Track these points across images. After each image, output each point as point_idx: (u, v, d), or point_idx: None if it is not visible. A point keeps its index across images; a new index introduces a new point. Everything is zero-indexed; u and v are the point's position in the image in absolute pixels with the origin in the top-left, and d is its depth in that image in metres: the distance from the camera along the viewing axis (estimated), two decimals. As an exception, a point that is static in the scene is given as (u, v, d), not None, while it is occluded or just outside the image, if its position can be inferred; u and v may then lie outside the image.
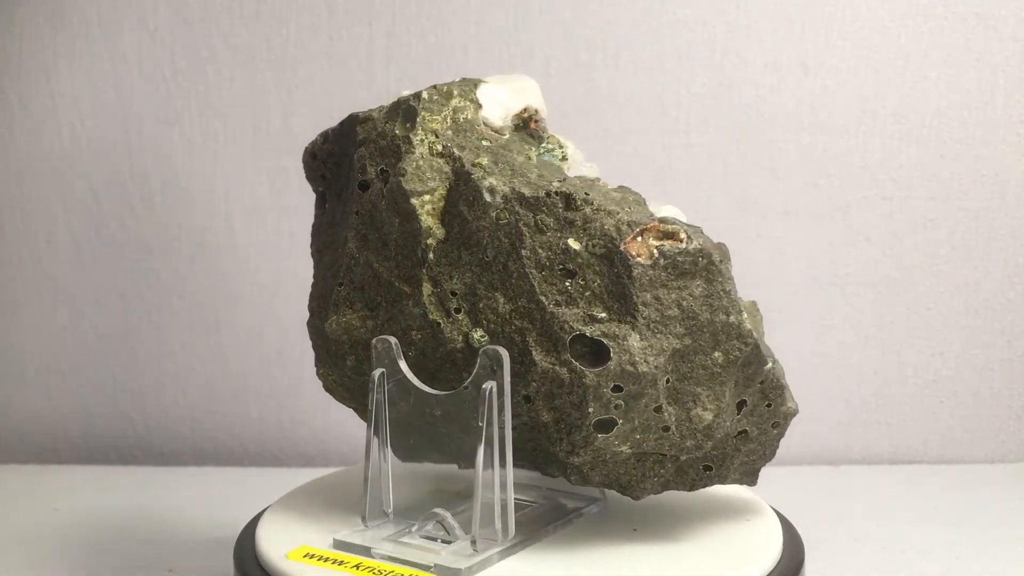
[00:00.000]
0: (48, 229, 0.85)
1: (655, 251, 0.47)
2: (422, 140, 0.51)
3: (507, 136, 0.52)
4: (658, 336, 0.47)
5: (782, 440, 0.52)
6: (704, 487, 0.51)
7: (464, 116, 0.52)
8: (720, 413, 0.48)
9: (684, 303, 0.47)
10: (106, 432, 0.87)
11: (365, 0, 0.81)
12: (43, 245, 0.85)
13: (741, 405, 0.49)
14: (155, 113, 0.83)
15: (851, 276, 0.81)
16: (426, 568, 0.46)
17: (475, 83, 0.53)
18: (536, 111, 0.52)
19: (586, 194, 0.48)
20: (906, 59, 0.79)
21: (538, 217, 0.48)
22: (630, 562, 0.48)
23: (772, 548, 0.50)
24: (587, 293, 0.47)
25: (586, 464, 0.49)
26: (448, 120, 0.52)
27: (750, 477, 0.52)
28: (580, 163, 0.53)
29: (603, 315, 0.47)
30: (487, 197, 0.49)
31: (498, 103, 0.52)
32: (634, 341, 0.47)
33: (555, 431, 0.48)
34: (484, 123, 0.52)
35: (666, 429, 0.48)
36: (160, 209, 0.84)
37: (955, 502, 0.74)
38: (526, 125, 0.52)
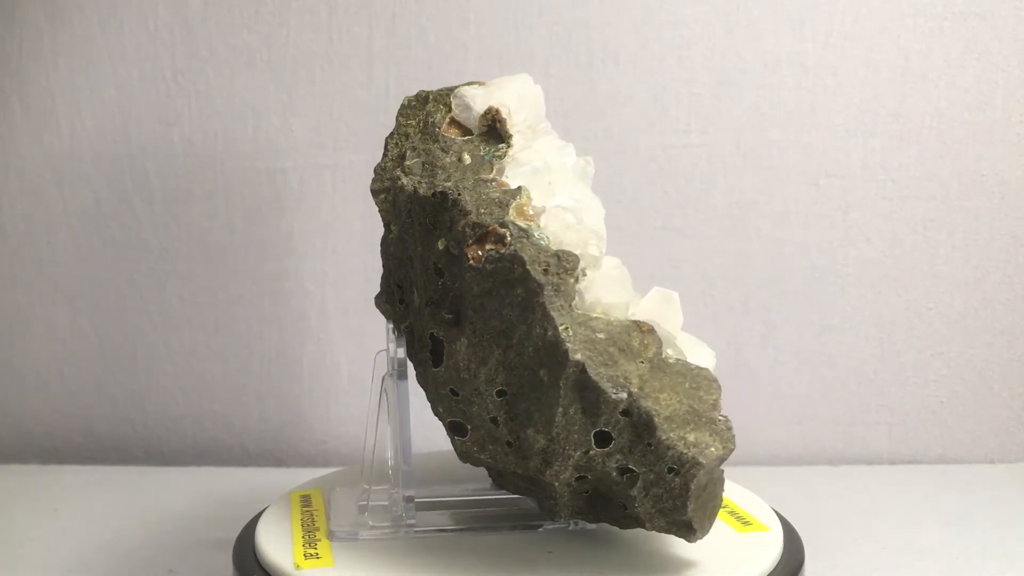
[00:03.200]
0: (48, 229, 0.85)
1: (483, 256, 0.46)
2: (396, 144, 0.53)
3: (467, 137, 0.52)
4: (484, 344, 0.46)
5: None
6: (626, 527, 0.48)
7: (432, 119, 0.53)
8: (557, 439, 0.45)
9: (505, 312, 0.45)
10: (106, 432, 0.87)
11: (365, 0, 0.81)
12: (43, 245, 0.85)
13: (604, 437, 0.45)
14: (155, 113, 0.83)
15: (851, 276, 0.81)
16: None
17: (454, 87, 0.54)
18: (497, 111, 0.52)
19: (458, 194, 0.47)
20: (906, 59, 0.79)
21: (427, 216, 0.49)
22: (630, 562, 0.48)
23: (772, 548, 0.50)
24: (450, 294, 0.47)
25: (485, 466, 0.49)
26: (420, 124, 0.53)
27: (683, 530, 0.45)
28: (550, 156, 0.51)
29: (449, 316, 0.47)
30: (402, 196, 0.50)
31: (466, 106, 0.53)
32: (461, 346, 0.47)
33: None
34: (458, 125, 0.52)
35: (509, 444, 0.47)
36: (160, 209, 0.84)
37: (955, 502, 0.73)
38: (492, 126, 0.52)
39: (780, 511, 0.56)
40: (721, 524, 0.53)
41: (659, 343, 0.45)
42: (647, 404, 0.44)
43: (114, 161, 0.84)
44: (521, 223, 0.46)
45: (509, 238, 0.45)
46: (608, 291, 0.46)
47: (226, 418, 0.86)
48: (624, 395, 0.44)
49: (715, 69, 0.80)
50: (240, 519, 0.56)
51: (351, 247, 0.83)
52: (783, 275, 0.81)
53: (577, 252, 0.46)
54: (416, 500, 0.52)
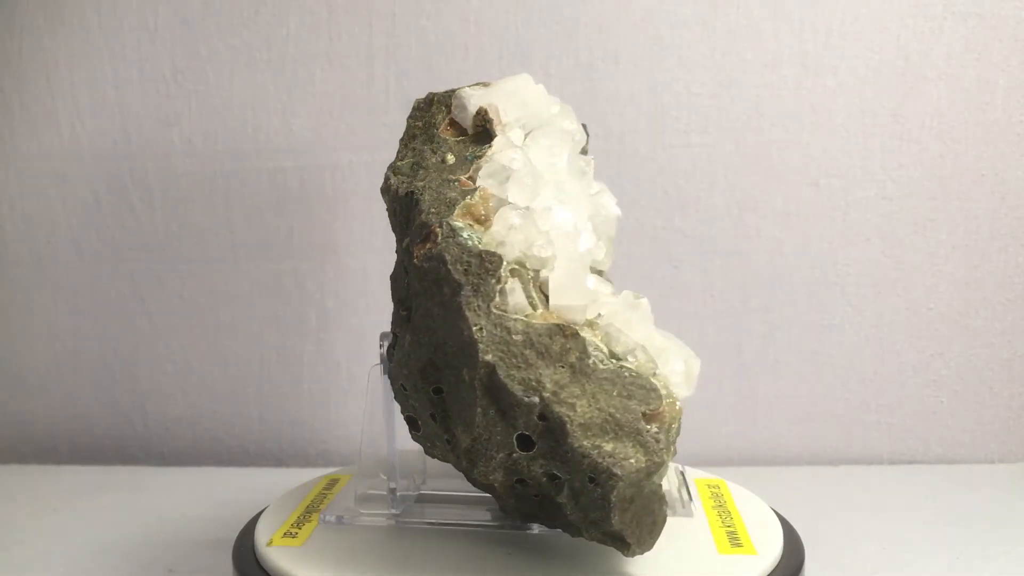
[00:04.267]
0: (48, 229, 0.85)
1: (422, 254, 0.46)
2: (405, 144, 0.53)
3: (460, 138, 0.52)
4: (421, 342, 0.46)
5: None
6: (574, 535, 0.46)
7: (434, 121, 0.53)
8: (480, 439, 0.45)
9: (435, 311, 0.45)
10: (106, 432, 0.87)
11: (365, 0, 0.81)
12: (43, 245, 0.85)
13: (525, 441, 0.44)
14: (155, 113, 0.83)
15: (851, 276, 0.81)
16: None
17: (456, 89, 0.54)
18: (486, 111, 0.52)
19: (420, 194, 0.48)
20: (906, 59, 0.79)
21: (403, 215, 0.50)
22: (630, 562, 0.48)
23: (772, 548, 0.50)
24: (410, 291, 0.48)
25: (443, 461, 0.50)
26: (424, 125, 0.54)
27: (618, 543, 0.44)
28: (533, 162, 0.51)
29: (404, 313, 0.48)
30: (388, 196, 0.51)
31: (462, 107, 0.53)
32: (405, 343, 0.47)
33: None
34: (456, 126, 0.53)
35: (448, 442, 0.47)
36: (160, 209, 0.84)
37: (955, 502, 0.73)
38: (484, 126, 0.52)
39: (780, 511, 0.56)
40: (706, 540, 0.52)
41: (583, 347, 0.43)
42: (560, 410, 0.43)
43: (114, 161, 0.84)
44: (460, 223, 0.46)
45: (439, 238, 0.45)
46: (561, 294, 0.45)
47: (226, 418, 0.86)
48: (536, 399, 0.43)
49: (715, 69, 0.80)
50: (240, 519, 0.56)
51: (351, 247, 0.83)
52: (783, 275, 0.81)
53: (517, 252, 0.46)
54: (420, 492, 0.52)
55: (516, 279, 0.45)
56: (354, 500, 0.53)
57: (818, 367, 0.82)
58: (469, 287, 0.44)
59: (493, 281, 0.44)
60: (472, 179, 0.49)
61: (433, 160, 0.51)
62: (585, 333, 0.45)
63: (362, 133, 0.82)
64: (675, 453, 0.45)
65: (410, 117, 0.54)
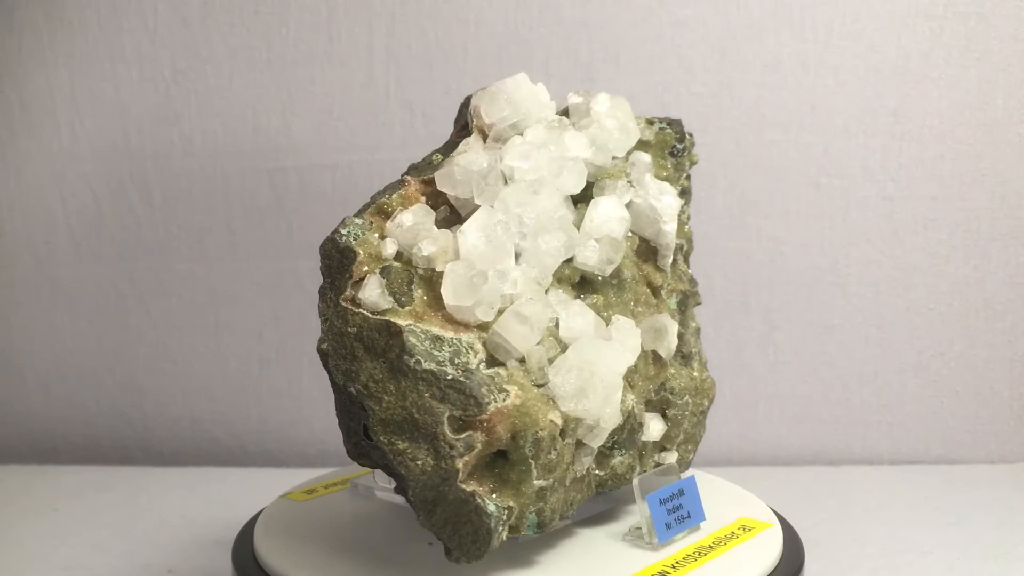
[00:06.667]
0: (48, 229, 0.85)
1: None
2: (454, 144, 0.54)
3: (466, 139, 0.53)
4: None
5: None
6: None
7: (463, 122, 0.55)
8: (342, 421, 0.48)
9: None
10: (106, 432, 0.87)
11: (365, 0, 0.81)
12: (43, 245, 0.85)
13: (365, 430, 0.47)
14: (155, 113, 0.83)
15: (851, 276, 0.81)
16: None
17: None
18: (470, 114, 0.52)
19: (389, 196, 0.49)
20: (906, 59, 0.79)
21: None
22: (629, 562, 0.48)
23: (772, 548, 0.50)
24: None
25: None
26: (458, 127, 0.55)
27: (442, 542, 0.46)
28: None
29: None
30: None
31: (473, 108, 0.53)
32: None
33: None
34: (474, 127, 0.53)
35: None
36: (160, 209, 0.84)
37: (955, 502, 0.73)
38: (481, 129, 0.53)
39: (780, 511, 0.56)
40: (720, 524, 0.52)
41: (402, 345, 0.44)
42: (368, 403, 0.44)
43: (114, 161, 0.84)
44: (360, 219, 0.48)
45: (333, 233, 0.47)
46: (449, 294, 0.46)
47: (226, 418, 0.86)
48: (353, 389, 0.45)
49: (715, 69, 0.80)
50: (240, 519, 0.56)
51: (351, 247, 0.83)
52: (783, 275, 0.81)
53: (390, 249, 0.47)
54: None
55: (379, 276, 0.46)
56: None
57: (818, 367, 0.82)
58: (328, 280, 0.47)
59: (346, 276, 0.46)
60: (427, 180, 0.50)
61: (428, 161, 0.52)
62: (465, 335, 0.45)
63: (362, 133, 0.82)
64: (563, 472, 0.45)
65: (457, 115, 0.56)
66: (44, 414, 0.87)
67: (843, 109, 0.80)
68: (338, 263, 0.47)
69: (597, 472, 0.50)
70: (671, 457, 0.54)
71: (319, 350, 0.46)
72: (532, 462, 0.44)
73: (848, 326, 0.82)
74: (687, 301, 0.57)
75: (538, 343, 0.46)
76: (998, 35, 0.79)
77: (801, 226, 0.81)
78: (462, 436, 0.43)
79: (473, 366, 0.44)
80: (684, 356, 0.56)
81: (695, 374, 0.56)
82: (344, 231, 0.47)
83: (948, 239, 0.81)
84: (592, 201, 0.52)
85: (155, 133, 0.83)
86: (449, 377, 0.43)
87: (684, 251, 0.59)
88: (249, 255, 0.84)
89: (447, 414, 0.43)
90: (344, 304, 0.46)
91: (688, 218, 0.59)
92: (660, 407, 0.54)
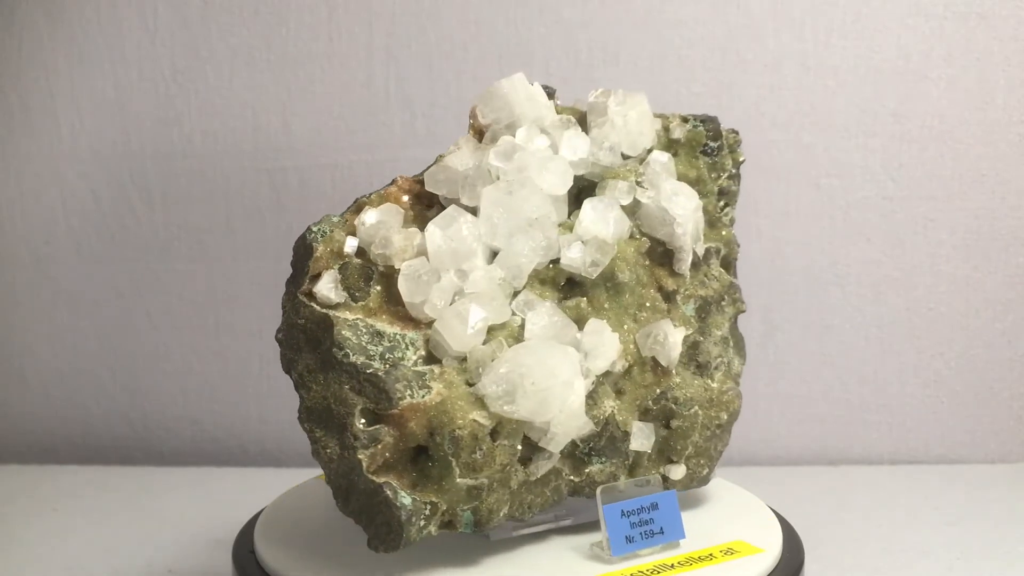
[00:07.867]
0: (48, 229, 0.85)
1: None
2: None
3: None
4: None
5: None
6: None
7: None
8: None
9: None
10: (106, 432, 0.87)
11: (365, 0, 0.81)
12: (43, 245, 0.85)
13: None
14: (155, 113, 0.83)
15: (851, 276, 0.81)
16: None
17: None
18: (472, 112, 0.52)
19: (371, 195, 0.50)
20: (906, 59, 0.79)
21: None
22: (571, 572, 0.47)
23: (772, 548, 0.50)
24: None
25: None
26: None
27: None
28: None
29: None
30: None
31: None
32: None
33: None
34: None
35: None
36: (160, 209, 0.84)
37: (955, 502, 0.73)
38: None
39: (780, 511, 0.56)
40: (720, 524, 0.52)
41: (332, 338, 0.45)
42: (300, 391, 0.46)
43: (114, 161, 0.84)
44: (337, 217, 0.49)
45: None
46: (402, 291, 0.47)
47: (226, 418, 0.86)
48: (292, 377, 0.47)
49: (715, 69, 0.80)
50: (240, 519, 0.56)
51: (351, 247, 0.83)
52: (783, 275, 0.81)
53: (350, 246, 0.48)
54: None
55: (335, 271, 0.47)
56: None
57: (818, 367, 0.82)
58: (292, 274, 0.49)
59: (305, 271, 0.48)
60: (420, 180, 0.50)
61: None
62: (412, 332, 0.46)
63: (362, 133, 0.82)
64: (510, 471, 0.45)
65: None
66: (44, 414, 0.87)
67: (843, 109, 0.80)
68: (301, 258, 0.49)
69: (572, 478, 0.49)
70: (678, 471, 0.52)
71: (276, 339, 0.48)
72: (452, 460, 0.44)
73: (848, 326, 0.82)
74: (709, 307, 0.55)
75: (485, 343, 0.46)
76: (998, 35, 0.79)
77: (801, 226, 0.81)
78: (370, 429, 0.44)
79: (408, 362, 0.45)
80: (700, 365, 0.54)
81: (712, 384, 0.54)
82: (315, 228, 0.48)
83: (948, 239, 0.81)
84: (584, 202, 0.51)
85: (155, 133, 0.83)
86: (369, 371, 0.44)
87: (721, 255, 0.57)
88: (249, 255, 0.84)
89: (360, 407, 0.44)
90: (300, 297, 0.48)
91: (732, 221, 0.58)
92: (662, 416, 0.52)
